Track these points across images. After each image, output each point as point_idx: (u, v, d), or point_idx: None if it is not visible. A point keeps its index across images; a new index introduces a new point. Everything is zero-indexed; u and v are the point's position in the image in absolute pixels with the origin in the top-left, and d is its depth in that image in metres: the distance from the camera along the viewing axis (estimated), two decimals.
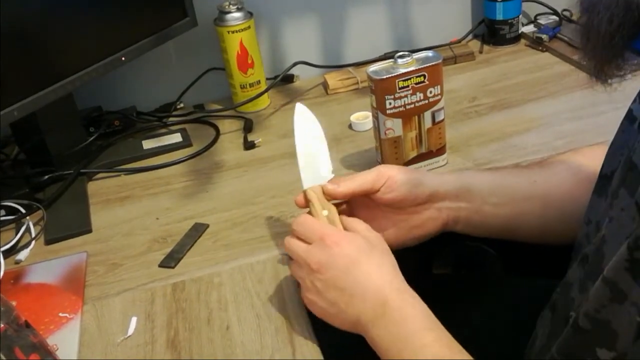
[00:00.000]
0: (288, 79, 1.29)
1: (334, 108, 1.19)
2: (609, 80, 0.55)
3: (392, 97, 0.88)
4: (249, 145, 1.09)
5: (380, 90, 0.88)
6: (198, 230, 0.89)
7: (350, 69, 1.28)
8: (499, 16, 1.30)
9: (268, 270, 0.80)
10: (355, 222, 0.69)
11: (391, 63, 0.88)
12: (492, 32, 1.33)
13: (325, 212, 0.71)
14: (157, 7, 1.10)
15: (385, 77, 0.87)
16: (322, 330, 0.70)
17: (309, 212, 0.72)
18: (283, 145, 1.09)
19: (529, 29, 1.35)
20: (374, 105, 0.90)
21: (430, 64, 0.87)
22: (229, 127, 1.17)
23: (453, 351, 0.59)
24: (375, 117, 0.91)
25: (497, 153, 0.97)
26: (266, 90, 1.21)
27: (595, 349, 0.53)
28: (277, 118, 1.19)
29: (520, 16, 1.32)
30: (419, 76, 0.87)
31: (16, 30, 0.90)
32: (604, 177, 0.62)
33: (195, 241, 0.87)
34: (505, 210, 0.74)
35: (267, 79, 1.24)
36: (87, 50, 1.01)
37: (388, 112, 0.89)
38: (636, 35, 0.51)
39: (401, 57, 0.87)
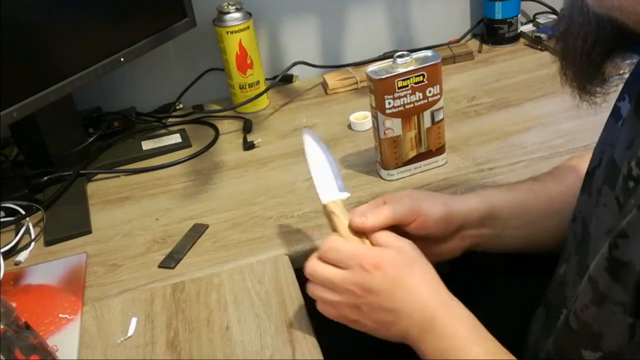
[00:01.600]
0: (287, 79, 1.29)
1: (333, 108, 1.19)
2: (593, 98, 0.56)
3: (392, 96, 0.88)
4: (248, 146, 1.09)
5: (379, 90, 0.88)
6: (198, 230, 0.89)
7: (349, 68, 1.28)
8: (498, 15, 1.30)
9: (268, 270, 0.80)
10: (383, 235, 0.67)
11: (390, 63, 0.88)
12: (491, 31, 1.33)
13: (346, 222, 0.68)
14: (157, 7, 1.10)
15: (384, 76, 0.87)
16: (322, 331, 0.70)
17: (332, 227, 0.69)
18: (282, 145, 1.09)
19: (527, 28, 1.35)
20: (373, 105, 0.90)
21: (430, 64, 0.87)
22: (228, 128, 1.17)
23: None
24: (375, 117, 0.91)
25: (496, 152, 0.97)
26: (265, 91, 1.21)
27: (580, 350, 0.53)
28: (276, 118, 1.19)
29: (519, 15, 1.32)
30: (418, 76, 0.87)
31: (16, 30, 0.90)
32: (588, 174, 0.62)
33: (195, 242, 0.87)
34: (524, 231, 0.74)
35: (266, 79, 1.24)
36: (87, 51, 1.01)
37: (387, 111, 0.89)
38: (612, 50, 0.52)
39: (400, 56, 0.87)
